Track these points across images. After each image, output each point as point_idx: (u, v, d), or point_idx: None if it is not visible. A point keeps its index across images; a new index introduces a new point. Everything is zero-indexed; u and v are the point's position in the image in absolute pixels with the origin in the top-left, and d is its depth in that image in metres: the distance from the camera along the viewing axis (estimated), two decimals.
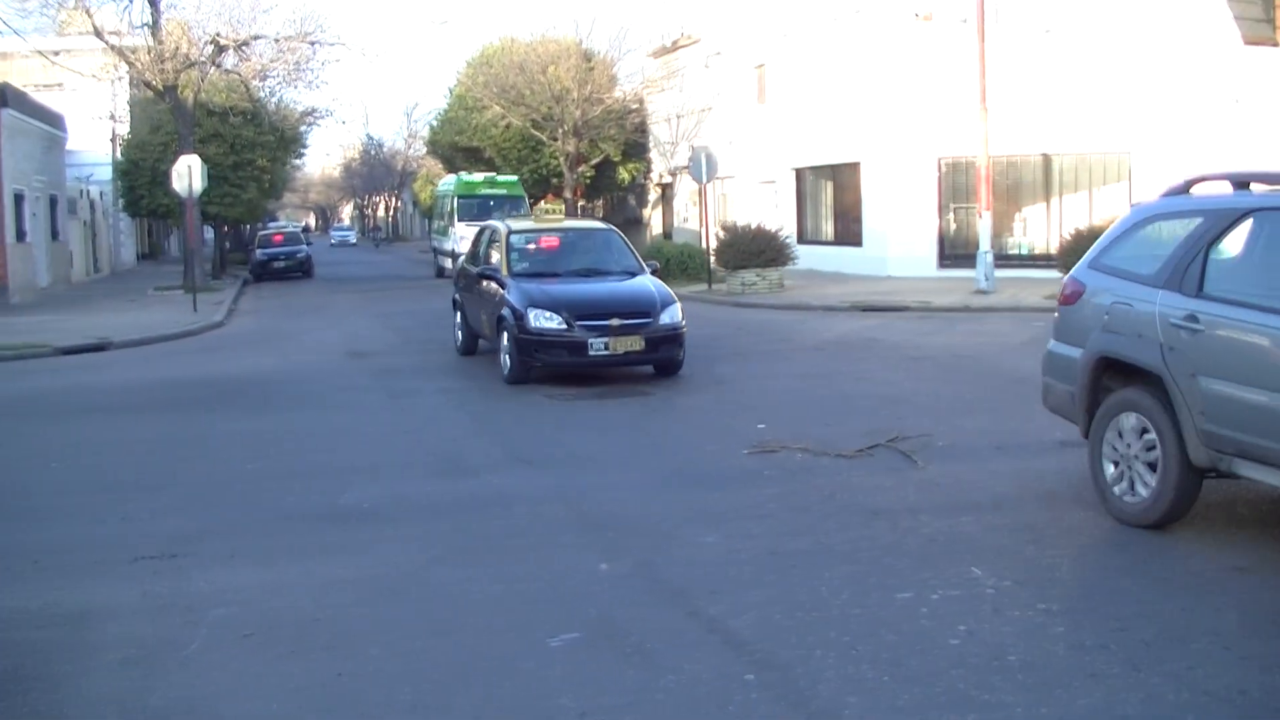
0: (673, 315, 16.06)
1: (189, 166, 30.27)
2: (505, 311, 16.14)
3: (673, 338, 16.04)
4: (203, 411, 14.98)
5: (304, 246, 52.01)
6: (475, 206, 41.60)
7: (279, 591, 7.61)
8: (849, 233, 38.81)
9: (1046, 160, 34.52)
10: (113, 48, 38.35)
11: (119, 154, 48.95)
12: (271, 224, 72.14)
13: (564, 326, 15.51)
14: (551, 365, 15.94)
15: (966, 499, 9.26)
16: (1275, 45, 35.80)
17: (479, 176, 45.30)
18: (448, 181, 47.39)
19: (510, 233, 18.03)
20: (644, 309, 15.97)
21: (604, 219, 57.37)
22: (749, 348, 20.00)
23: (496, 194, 42.98)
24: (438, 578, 7.82)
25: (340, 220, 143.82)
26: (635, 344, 15.57)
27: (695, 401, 14.73)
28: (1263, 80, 32.72)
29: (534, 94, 45.46)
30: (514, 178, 45.95)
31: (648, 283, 16.94)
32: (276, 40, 40.27)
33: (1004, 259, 33.33)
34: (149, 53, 37.98)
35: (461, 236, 38.64)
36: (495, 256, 17.97)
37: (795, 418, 13.08)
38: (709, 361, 17.84)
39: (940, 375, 16.24)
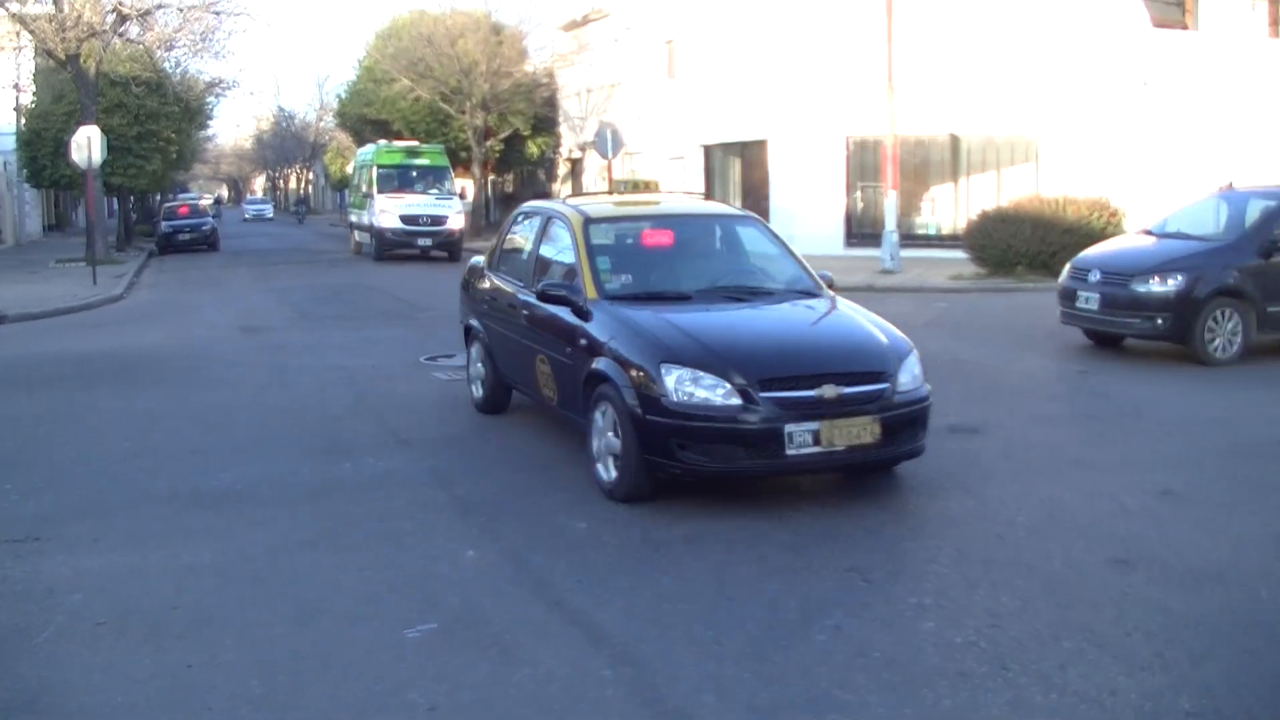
0: (913, 374, 9.08)
1: (88, 138, 29.72)
2: (605, 367, 9.00)
3: (918, 415, 8.99)
4: (86, 388, 14.55)
5: (209, 219, 51.31)
6: (396, 177, 40.23)
7: (140, 577, 7.36)
8: (756, 210, 38.17)
9: (955, 140, 34.59)
10: (14, 15, 37.55)
11: (22, 124, 48.03)
12: (181, 195, 71.23)
13: (738, 401, 8.31)
14: (710, 472, 8.54)
15: (846, 487, 9.10)
16: (1184, 28, 36.25)
17: (400, 145, 43.28)
18: (366, 151, 44.70)
19: (589, 221, 10.68)
20: (872, 365, 8.88)
21: (513, 194, 57.14)
22: None
23: (419, 164, 41.38)
24: (304, 564, 7.57)
25: (253, 192, 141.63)
26: (865, 430, 8.41)
27: None
28: (1171, 63, 32.93)
29: (442, 67, 45.17)
30: (438, 147, 43.81)
31: (856, 316, 10.03)
32: (180, 10, 39.57)
33: (912, 239, 33.40)
34: (50, 21, 37.22)
35: (382, 210, 38.47)
36: (558, 260, 10.82)
37: None
38: None
39: None
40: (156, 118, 44.54)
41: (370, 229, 39.35)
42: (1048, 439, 10.82)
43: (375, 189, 39.48)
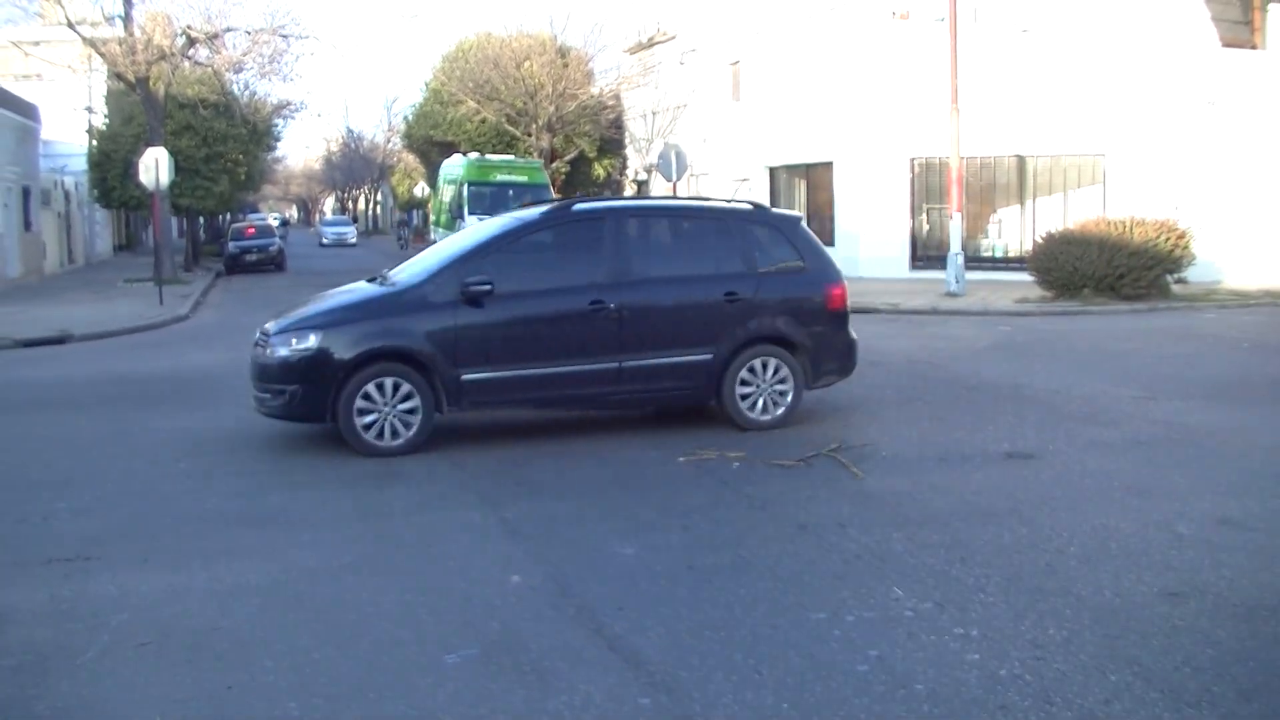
0: None
1: (156, 159, 30.09)
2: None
3: None
4: (143, 408, 14.75)
5: (276, 239, 51.72)
6: (489, 196, 35.44)
7: (184, 597, 7.38)
8: (822, 232, 38.47)
9: (1020, 162, 34.38)
10: (85, 39, 38.09)
11: (93, 146, 48.68)
12: (250, 215, 72.05)
13: None
14: None
15: (899, 513, 8.99)
16: (1253, 47, 35.91)
17: (495, 159, 39.23)
18: (454, 164, 39.71)
19: None
20: None
21: None
22: None
23: (515, 181, 36.55)
24: (348, 586, 7.57)
25: (322, 212, 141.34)
26: None
27: None
28: (1238, 82, 32.64)
29: (508, 89, 45.35)
30: (537, 163, 40.06)
31: None
32: (249, 33, 39.98)
33: (978, 261, 33.24)
34: (121, 44, 37.72)
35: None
36: None
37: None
38: None
39: (895, 381, 15.99)
40: (224, 139, 45.15)
41: None
42: (1105, 466, 10.65)
43: (466, 209, 35.21)
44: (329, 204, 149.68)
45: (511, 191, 34.84)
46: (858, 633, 6.53)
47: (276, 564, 8.05)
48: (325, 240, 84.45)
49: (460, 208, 35.38)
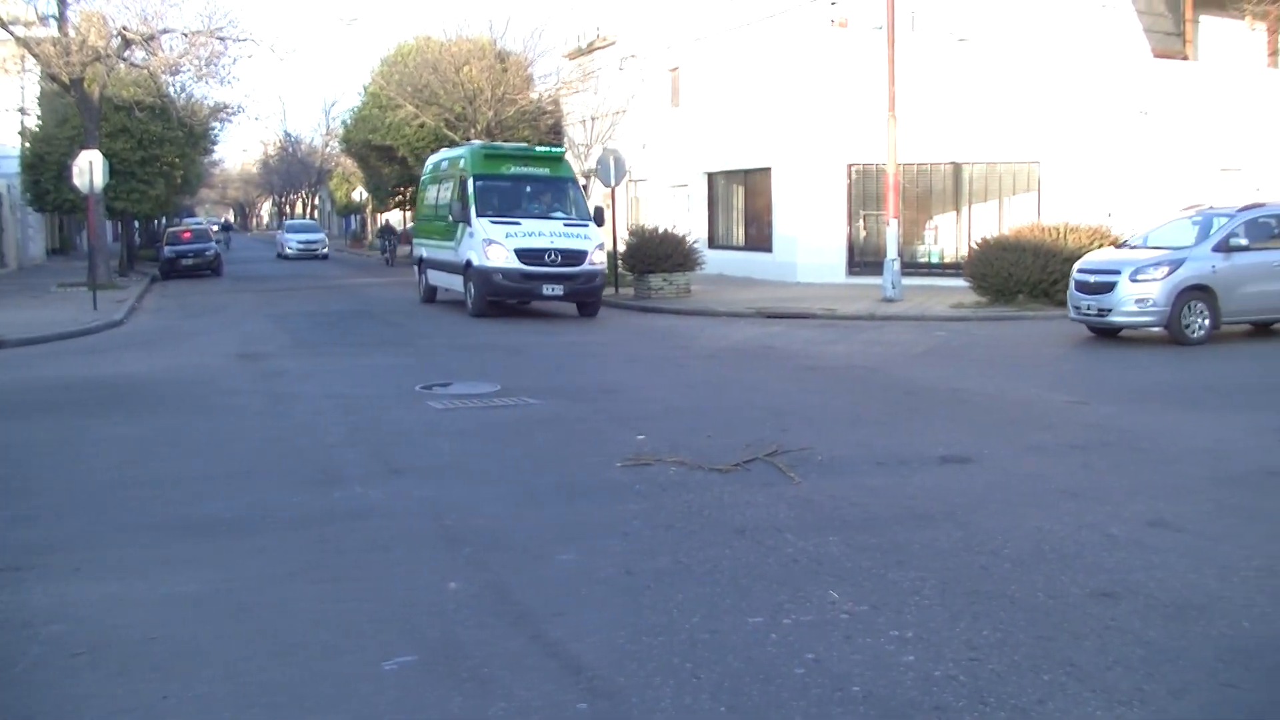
0: None
1: (90, 162, 29.74)
2: None
3: None
4: (80, 415, 14.55)
5: (213, 244, 51.26)
6: (503, 193, 28.22)
7: (122, 607, 7.30)
8: (759, 238, 38.80)
9: (956, 169, 34.64)
10: (18, 39, 37.68)
11: (26, 148, 48.18)
12: (188, 220, 71.40)
13: None
14: None
15: (837, 517, 9.05)
16: (1184, 58, 36.36)
17: (507, 146, 31.66)
18: (451, 156, 31.86)
19: None
20: None
21: None
22: (644, 354, 19.83)
23: (534, 174, 29.06)
24: (288, 594, 7.50)
25: (259, 218, 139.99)
26: None
27: (579, 411, 14.42)
28: (1170, 92, 33.08)
29: (447, 94, 45.11)
30: (559, 150, 31.74)
31: None
32: (185, 35, 39.65)
33: (914, 267, 33.48)
34: (55, 45, 37.35)
35: (489, 242, 26.41)
36: None
37: (677, 429, 12.85)
38: (601, 369, 17.62)
39: (832, 386, 16.09)
40: (160, 142, 44.78)
41: (466, 270, 27.46)
42: (1039, 469, 10.76)
43: (473, 210, 27.37)
44: (266, 208, 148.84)
45: (529, 188, 28.76)
46: (795, 636, 6.56)
47: (217, 573, 7.96)
48: (288, 251, 67.31)
49: (465, 209, 27.44)
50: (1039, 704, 5.63)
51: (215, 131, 54.05)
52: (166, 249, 49.60)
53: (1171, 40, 36.79)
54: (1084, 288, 21.12)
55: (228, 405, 15.20)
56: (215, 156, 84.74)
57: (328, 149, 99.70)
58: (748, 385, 16.26)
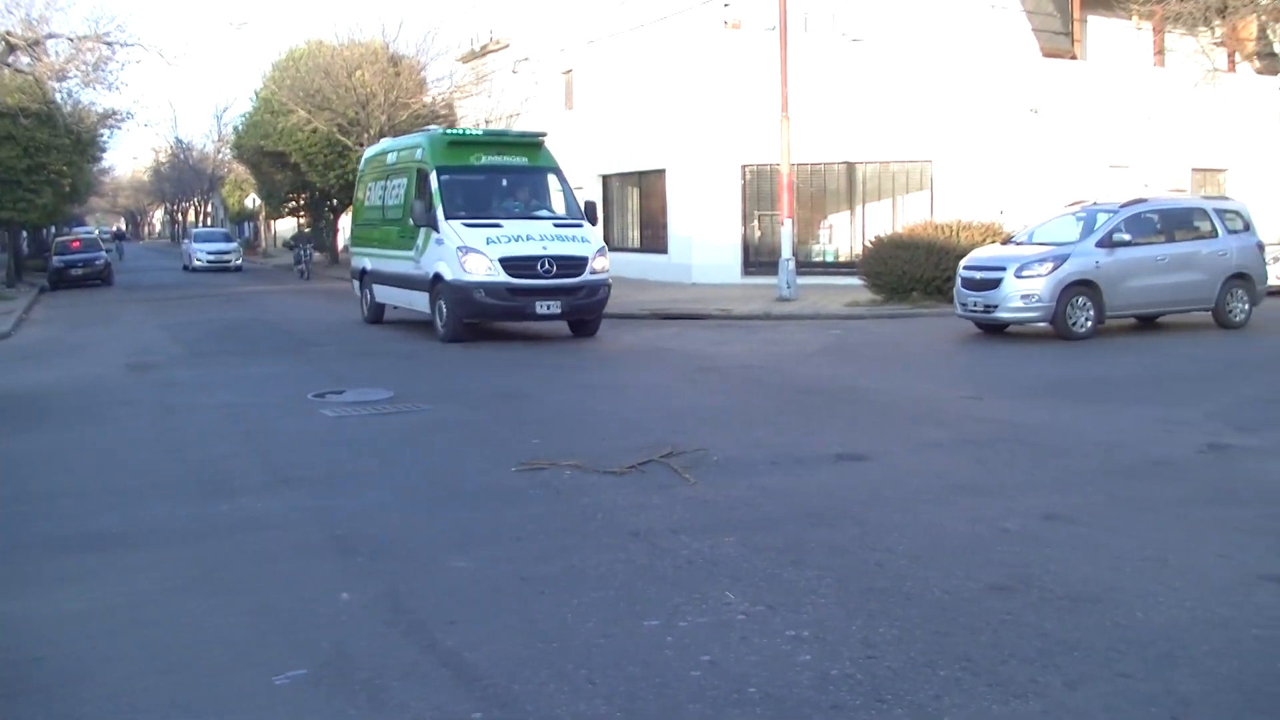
0: None
1: None
2: None
3: None
4: None
5: (103, 253, 50.52)
6: (474, 190, 23.53)
7: (6, 626, 7.11)
8: (655, 240, 38.86)
9: (850, 168, 34.88)
10: None
11: None
12: (78, 229, 70.20)
13: None
14: None
15: (732, 517, 9.02)
16: (1073, 58, 36.89)
17: (475, 132, 27.58)
18: (398, 145, 26.98)
19: None
20: None
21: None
22: (538, 359, 19.70)
23: (510, 164, 24.23)
24: (177, 610, 7.33)
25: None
26: None
27: (474, 416, 14.33)
28: (1059, 90, 33.54)
29: (340, 98, 44.82)
30: (537, 134, 25.57)
31: None
32: (71, 40, 39.06)
33: (809, 266, 33.67)
34: None
35: (466, 250, 21.64)
36: None
37: (572, 432, 12.83)
38: (495, 374, 17.52)
39: (728, 386, 16.10)
40: (47, 150, 44.05)
41: (434, 286, 22.69)
42: (935, 465, 10.82)
43: (440, 210, 22.59)
44: (158, 215, 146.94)
45: (505, 181, 24.25)
46: (691, 638, 6.51)
47: (103, 589, 7.78)
48: (196, 262, 61.16)
49: (429, 211, 22.71)
50: (935, 700, 5.63)
51: (104, 138, 53.32)
52: (55, 259, 48.86)
53: (1060, 40, 37.33)
54: (970, 284, 21.42)
55: (118, 417, 14.94)
56: (105, 164, 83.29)
57: (220, 155, 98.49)
58: (643, 387, 16.24)
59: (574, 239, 22.21)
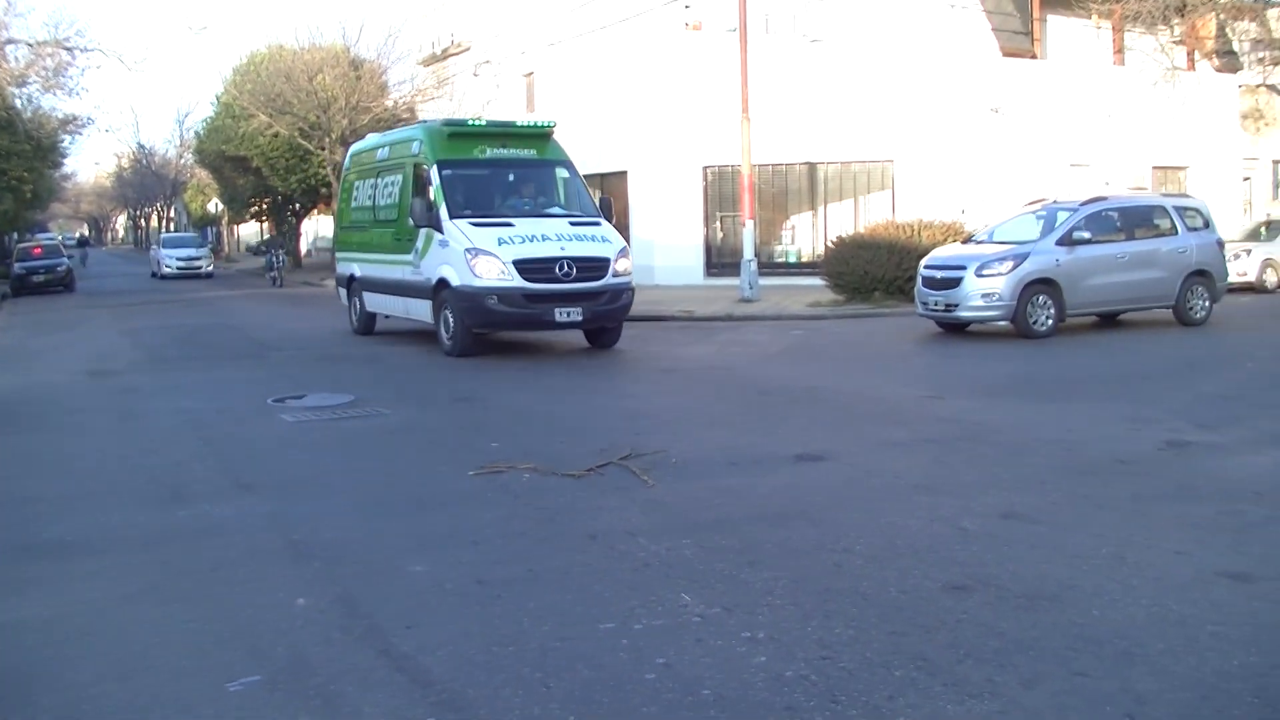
0: None
1: None
2: None
3: None
4: None
5: (64, 260, 50.23)
6: (479, 185, 21.46)
7: None
8: None
9: (812, 169, 34.98)
10: None
11: None
12: (40, 235, 69.87)
13: None
14: None
15: (690, 519, 9.00)
16: (1033, 57, 37.04)
17: (479, 123, 24.04)
18: (390, 139, 24.92)
19: None
20: None
21: None
22: (498, 362, 19.60)
23: (518, 156, 22.08)
24: (132, 617, 7.27)
25: (114, 232, 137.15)
26: None
27: (433, 420, 14.31)
28: (1019, 90, 33.68)
29: (301, 102, 44.71)
30: (546, 123, 23.10)
31: None
32: (31, 45, 38.87)
33: (772, 267, 33.73)
34: None
35: (474, 250, 19.38)
36: None
37: (531, 435, 12.77)
38: (454, 377, 17.46)
39: (688, 388, 16.10)
40: (7, 156, 43.87)
41: (438, 292, 20.51)
42: (894, 465, 10.82)
43: (443, 209, 20.41)
44: (121, 221, 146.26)
45: (513, 176, 22.16)
46: (646, 641, 6.49)
47: (58, 597, 7.70)
48: (165, 269, 58.48)
49: (431, 210, 20.57)
50: (889, 700, 5.61)
51: (65, 144, 53.13)
52: (16, 265, 48.60)
53: (1020, 39, 37.46)
54: (931, 283, 21.47)
55: (76, 424, 14.82)
56: (67, 170, 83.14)
57: (182, 160, 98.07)
58: (603, 389, 16.22)
59: (594, 238, 20.19)
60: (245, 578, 7.97)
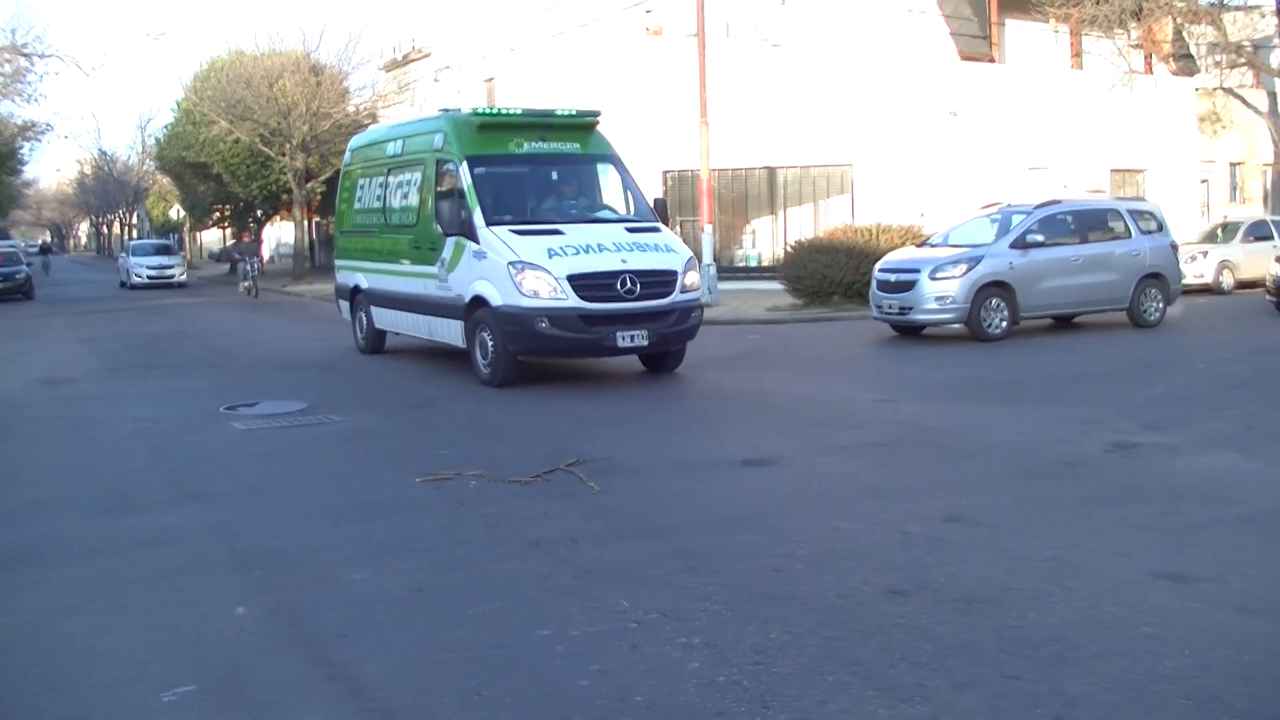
0: None
1: None
2: None
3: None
4: None
5: (24, 267, 49.84)
6: (516, 186, 18.40)
7: None
8: None
9: (771, 173, 35.03)
10: None
11: None
12: (1, 242, 69.40)
13: None
14: None
15: (633, 525, 9.03)
16: (991, 61, 37.16)
17: (511, 111, 19.33)
18: (406, 130, 21.25)
19: None
20: None
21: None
22: (451, 369, 19.52)
23: (558, 151, 18.77)
24: (73, 627, 7.23)
25: (77, 237, 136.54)
26: None
27: (383, 426, 14.29)
28: (977, 93, 33.78)
29: (262, 108, 44.62)
30: (590, 113, 19.85)
31: None
32: None
33: (732, 271, 33.75)
34: None
35: (520, 264, 16.20)
36: None
37: (479, 441, 12.79)
38: (406, 385, 17.42)
39: (641, 393, 16.10)
40: None
41: (471, 312, 17.22)
42: (842, 469, 10.87)
43: (475, 213, 17.11)
44: (84, 228, 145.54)
45: (555, 174, 19.01)
46: (581, 647, 6.49)
47: (2, 607, 7.67)
48: (136, 278, 54.44)
49: (463, 214, 17.19)
50: (821, 705, 5.63)
51: (24, 151, 52.78)
52: None
53: (978, 43, 37.58)
54: (885, 286, 21.56)
55: (28, 433, 14.73)
56: (28, 176, 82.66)
57: (144, 167, 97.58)
58: (553, 396, 16.09)
59: (657, 248, 17.06)
60: (188, 586, 7.94)
